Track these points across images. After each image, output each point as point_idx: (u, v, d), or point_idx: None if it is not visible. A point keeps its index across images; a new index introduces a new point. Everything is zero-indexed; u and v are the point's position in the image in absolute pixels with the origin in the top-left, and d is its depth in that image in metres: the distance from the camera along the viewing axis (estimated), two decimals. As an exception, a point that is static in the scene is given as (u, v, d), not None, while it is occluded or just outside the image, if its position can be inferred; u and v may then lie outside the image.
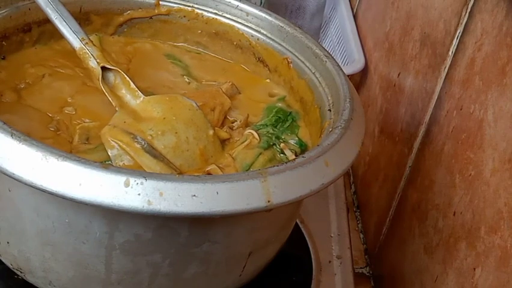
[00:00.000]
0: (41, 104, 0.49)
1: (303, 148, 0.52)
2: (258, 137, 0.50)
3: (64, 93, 0.51)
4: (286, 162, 0.40)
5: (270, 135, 0.52)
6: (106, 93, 0.49)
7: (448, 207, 0.54)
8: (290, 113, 0.55)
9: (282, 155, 0.50)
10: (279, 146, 0.51)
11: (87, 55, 0.50)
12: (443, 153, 0.56)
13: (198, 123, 0.48)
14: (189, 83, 0.57)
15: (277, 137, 0.52)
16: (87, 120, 0.49)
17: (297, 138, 0.53)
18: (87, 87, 0.52)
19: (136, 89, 0.49)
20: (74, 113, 0.49)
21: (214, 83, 0.58)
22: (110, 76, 0.50)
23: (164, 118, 0.48)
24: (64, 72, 0.53)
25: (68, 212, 0.39)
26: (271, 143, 0.51)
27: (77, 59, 0.51)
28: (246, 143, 0.50)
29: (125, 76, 0.50)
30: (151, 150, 0.46)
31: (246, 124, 0.53)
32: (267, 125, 0.53)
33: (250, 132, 0.51)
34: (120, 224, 0.39)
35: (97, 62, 0.49)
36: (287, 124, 0.54)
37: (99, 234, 0.40)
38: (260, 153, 0.49)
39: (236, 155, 0.48)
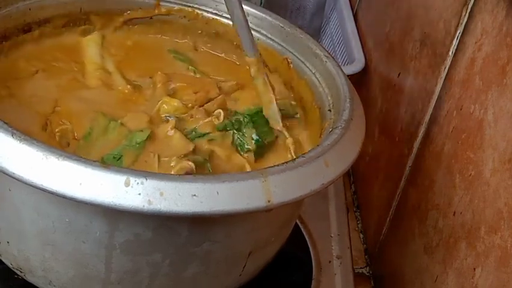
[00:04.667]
0: (31, 101, 0.49)
1: (259, 144, 0.51)
2: (222, 118, 0.51)
3: (53, 91, 0.51)
4: (286, 162, 0.40)
5: (234, 121, 0.52)
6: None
7: (448, 207, 0.54)
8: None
9: (239, 142, 0.51)
10: (239, 134, 0.51)
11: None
12: (443, 153, 0.56)
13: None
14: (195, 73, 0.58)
15: (239, 129, 0.52)
16: (67, 123, 0.48)
17: (255, 135, 0.52)
18: (76, 83, 0.52)
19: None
20: (60, 109, 0.49)
21: (220, 78, 0.58)
22: None
23: None
24: (56, 66, 0.53)
25: (68, 212, 0.39)
26: (228, 129, 0.51)
27: (73, 53, 0.51)
28: (208, 119, 0.51)
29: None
30: None
31: (221, 106, 0.53)
32: (241, 113, 0.53)
33: (219, 111, 0.51)
34: (120, 224, 0.39)
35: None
36: (264, 119, 0.53)
37: (99, 234, 0.40)
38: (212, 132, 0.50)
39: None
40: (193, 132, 0.49)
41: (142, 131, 0.47)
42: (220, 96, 0.54)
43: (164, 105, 0.51)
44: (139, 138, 0.46)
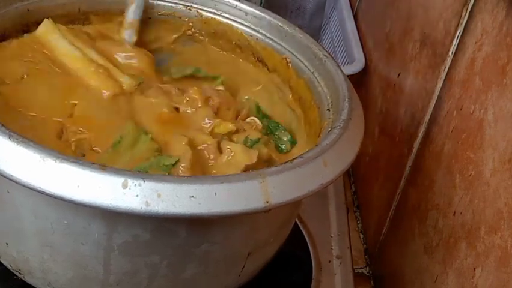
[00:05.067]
0: (31, 107, 0.48)
1: (294, 144, 0.53)
2: (260, 124, 0.53)
3: (50, 95, 0.49)
4: (284, 163, 0.40)
5: (266, 126, 0.54)
6: None
7: (448, 207, 0.54)
8: None
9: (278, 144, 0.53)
10: (275, 137, 0.53)
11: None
12: (443, 153, 0.56)
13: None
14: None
15: (272, 132, 0.54)
16: (85, 131, 0.47)
17: (289, 136, 0.54)
18: (67, 84, 0.50)
19: None
20: (75, 116, 0.48)
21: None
22: None
23: None
24: (38, 68, 0.51)
25: (66, 214, 0.39)
26: (268, 132, 0.53)
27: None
28: (253, 126, 0.53)
29: None
30: None
31: (249, 115, 0.55)
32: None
33: (252, 119, 0.54)
34: (118, 226, 0.39)
35: None
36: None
37: (97, 236, 0.40)
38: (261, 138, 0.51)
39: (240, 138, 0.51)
40: (249, 141, 0.50)
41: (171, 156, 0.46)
42: (247, 108, 0.55)
43: (218, 126, 0.51)
44: (167, 162, 0.46)
